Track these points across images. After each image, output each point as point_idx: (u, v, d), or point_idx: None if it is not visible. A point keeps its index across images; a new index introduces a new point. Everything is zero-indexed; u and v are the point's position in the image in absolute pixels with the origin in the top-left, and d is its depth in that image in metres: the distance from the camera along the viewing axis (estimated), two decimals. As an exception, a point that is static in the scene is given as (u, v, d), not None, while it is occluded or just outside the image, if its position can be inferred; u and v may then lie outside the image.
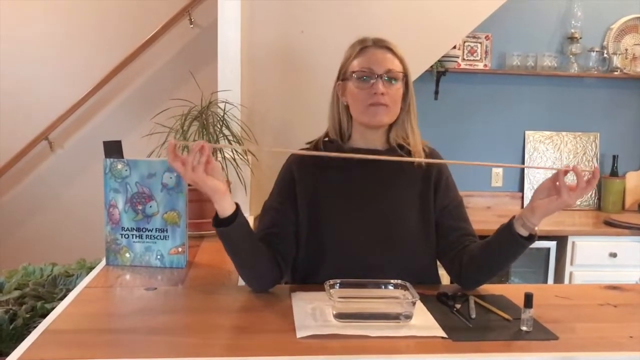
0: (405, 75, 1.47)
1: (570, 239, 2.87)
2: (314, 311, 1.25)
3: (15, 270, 2.16)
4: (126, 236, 1.62)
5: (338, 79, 1.52)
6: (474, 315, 1.25)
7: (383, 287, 1.30)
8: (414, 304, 1.19)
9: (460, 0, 2.57)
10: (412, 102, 1.51)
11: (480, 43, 3.27)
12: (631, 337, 1.17)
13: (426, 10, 2.56)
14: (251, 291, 1.39)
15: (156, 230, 1.61)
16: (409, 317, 1.19)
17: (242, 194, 2.25)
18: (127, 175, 1.61)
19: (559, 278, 2.93)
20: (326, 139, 1.56)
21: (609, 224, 2.97)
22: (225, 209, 1.28)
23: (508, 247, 1.36)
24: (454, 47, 3.09)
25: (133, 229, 1.62)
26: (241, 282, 1.45)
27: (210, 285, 1.49)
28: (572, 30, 3.28)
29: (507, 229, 1.35)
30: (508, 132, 3.39)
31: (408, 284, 1.27)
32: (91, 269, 1.80)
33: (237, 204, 1.31)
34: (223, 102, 2.19)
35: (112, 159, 1.61)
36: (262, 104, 2.52)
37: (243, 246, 1.34)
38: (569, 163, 3.40)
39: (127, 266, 1.63)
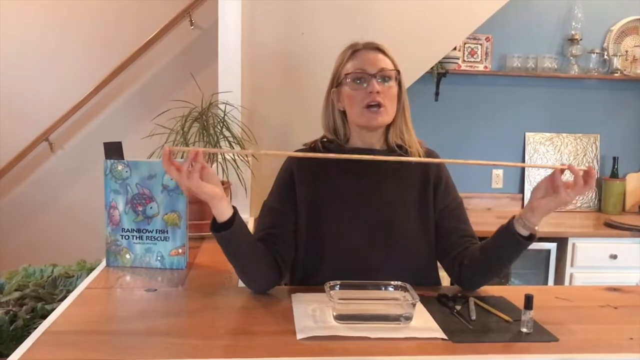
0: (398, 75, 1.48)
1: (570, 241, 2.87)
2: (314, 312, 1.25)
3: (16, 271, 2.16)
4: (126, 237, 1.62)
5: (332, 85, 1.52)
6: (474, 317, 1.25)
7: (383, 288, 1.30)
8: (414, 305, 1.19)
9: (461, 1, 2.57)
10: (405, 101, 1.52)
11: (481, 44, 3.27)
12: (631, 338, 1.17)
13: (427, 12, 2.56)
14: (251, 293, 1.39)
15: (156, 232, 1.61)
16: (409, 318, 1.19)
17: (243, 195, 2.26)
18: (128, 176, 1.61)
19: (559, 279, 2.93)
20: (325, 139, 1.56)
21: (610, 225, 2.97)
22: (223, 214, 1.28)
23: (508, 247, 1.36)
24: (455, 49, 3.09)
25: (133, 230, 1.62)
26: (241, 284, 1.45)
27: (210, 286, 1.48)
28: (573, 32, 3.28)
29: (507, 229, 1.35)
30: (508, 134, 3.40)
31: (408, 286, 1.27)
32: (91, 270, 1.80)
33: (234, 208, 1.31)
34: (223, 103, 2.19)
35: (112, 160, 1.61)
36: (262, 105, 2.53)
37: (242, 249, 1.34)
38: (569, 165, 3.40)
39: (128, 267, 1.62)
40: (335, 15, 2.49)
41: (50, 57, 3.48)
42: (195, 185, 1.21)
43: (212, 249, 1.85)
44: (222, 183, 2.09)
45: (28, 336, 1.12)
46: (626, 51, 3.36)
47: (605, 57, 3.36)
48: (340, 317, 1.19)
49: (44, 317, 1.43)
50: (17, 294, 1.92)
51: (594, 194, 3.41)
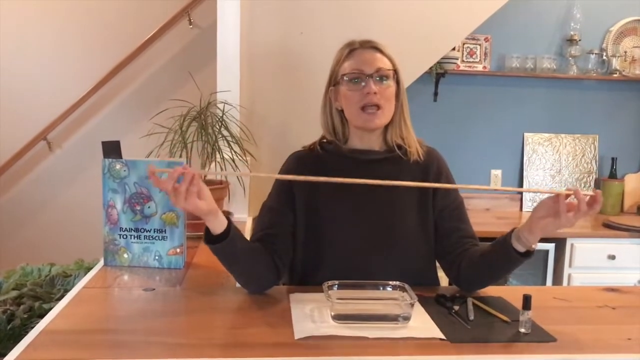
0: (396, 73, 1.47)
1: (569, 241, 2.87)
2: (312, 312, 1.24)
3: (13, 270, 2.16)
4: (124, 237, 1.62)
5: (330, 84, 1.52)
6: (472, 317, 1.25)
7: (381, 288, 1.30)
8: (412, 305, 1.19)
9: (460, 2, 2.57)
10: (404, 99, 1.50)
11: (480, 45, 3.27)
12: (629, 339, 1.17)
13: (426, 12, 2.56)
14: (249, 292, 1.39)
15: (154, 231, 1.61)
16: (407, 318, 1.19)
17: (241, 195, 2.25)
18: (126, 175, 1.60)
19: (557, 280, 2.93)
20: (324, 140, 1.56)
21: (608, 226, 2.97)
22: (218, 227, 1.28)
23: (503, 260, 1.35)
24: (453, 49, 3.09)
25: (131, 229, 1.62)
26: (239, 284, 1.45)
27: (208, 286, 1.48)
28: (572, 33, 3.29)
29: (504, 242, 1.33)
30: (507, 134, 3.40)
31: (406, 286, 1.27)
32: (89, 269, 1.80)
33: (229, 220, 1.30)
34: (222, 102, 2.19)
35: (110, 160, 1.61)
36: (261, 104, 2.53)
37: (237, 258, 1.34)
38: (567, 165, 3.41)
39: (125, 267, 1.62)
40: (334, 14, 2.49)
41: (49, 56, 3.47)
42: (193, 206, 1.21)
43: (210, 248, 1.85)
44: (221, 183, 2.09)
45: (25, 335, 1.12)
46: (625, 52, 3.36)
47: (604, 57, 3.36)
48: (339, 317, 1.18)
49: (42, 316, 1.43)
50: (14, 293, 1.92)
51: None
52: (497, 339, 1.15)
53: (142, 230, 1.61)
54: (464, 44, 3.24)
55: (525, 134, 3.41)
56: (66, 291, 1.79)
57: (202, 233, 1.93)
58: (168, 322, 1.22)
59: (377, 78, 1.43)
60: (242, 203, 2.32)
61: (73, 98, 3.42)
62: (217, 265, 1.64)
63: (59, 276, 2.04)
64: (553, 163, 3.41)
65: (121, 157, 1.61)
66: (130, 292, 1.44)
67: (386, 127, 1.50)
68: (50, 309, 1.31)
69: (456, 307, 1.29)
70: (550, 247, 2.89)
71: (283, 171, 1.54)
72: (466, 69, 3.26)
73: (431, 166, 1.52)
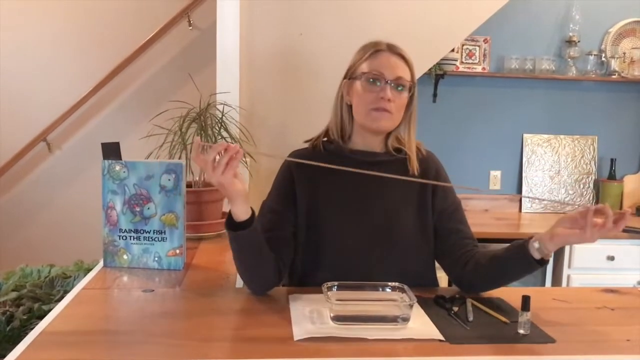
0: (412, 86, 1.47)
1: (568, 242, 2.87)
2: (312, 313, 1.24)
3: (13, 271, 2.16)
4: (124, 238, 1.62)
5: (345, 77, 1.52)
6: (471, 318, 1.25)
7: (380, 289, 1.30)
8: (411, 306, 1.19)
9: (459, 3, 2.58)
10: (414, 111, 1.51)
11: (479, 46, 3.28)
12: (628, 340, 1.17)
13: (425, 13, 2.56)
14: (249, 293, 1.39)
15: (154, 232, 1.61)
16: (406, 319, 1.19)
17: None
18: (125, 177, 1.61)
19: (556, 281, 2.93)
20: (325, 139, 1.56)
21: (607, 227, 2.97)
22: (243, 213, 1.28)
23: (518, 265, 1.35)
24: (453, 50, 3.10)
25: (131, 230, 1.62)
26: (239, 285, 1.45)
27: (207, 287, 1.48)
28: (571, 34, 3.29)
29: (521, 248, 1.32)
30: (506, 135, 3.40)
31: (405, 287, 1.27)
32: (89, 270, 1.80)
33: (252, 209, 1.31)
34: (221, 104, 2.19)
35: (110, 161, 1.61)
36: (260, 106, 2.53)
37: (252, 251, 1.34)
38: (567, 166, 3.41)
39: (125, 268, 1.62)
40: (333, 16, 2.49)
41: (48, 57, 3.48)
42: (228, 182, 1.22)
43: (210, 249, 1.85)
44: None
45: (25, 337, 1.11)
46: (624, 53, 3.36)
47: (603, 59, 3.36)
48: (338, 318, 1.18)
49: (41, 317, 1.43)
50: (14, 294, 1.92)
51: (592, 195, 3.42)
52: (496, 340, 1.15)
53: (142, 232, 1.61)
54: (463, 45, 3.24)
55: (525, 135, 3.41)
56: (66, 292, 1.79)
57: (202, 234, 1.96)
58: (167, 324, 1.22)
59: (394, 85, 1.43)
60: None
61: (73, 99, 3.42)
62: (216, 266, 1.65)
63: (59, 277, 2.04)
64: (552, 164, 3.41)
65: (121, 159, 1.61)
66: (130, 293, 1.44)
67: (389, 132, 1.51)
68: (50, 310, 1.31)
69: (455, 308, 1.29)
70: (550, 248, 2.89)
71: (284, 167, 1.54)
72: (465, 70, 3.27)
73: (430, 170, 1.53)
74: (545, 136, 3.42)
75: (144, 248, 1.62)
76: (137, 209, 1.61)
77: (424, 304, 1.31)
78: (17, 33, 3.43)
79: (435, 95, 3.27)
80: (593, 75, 3.33)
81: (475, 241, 1.51)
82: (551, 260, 2.87)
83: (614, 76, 3.34)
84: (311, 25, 2.50)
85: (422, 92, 3.21)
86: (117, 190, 1.61)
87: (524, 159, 3.40)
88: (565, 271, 2.90)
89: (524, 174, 3.40)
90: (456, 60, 3.18)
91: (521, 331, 1.17)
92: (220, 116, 2.12)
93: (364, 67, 1.46)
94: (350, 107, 1.50)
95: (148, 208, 1.60)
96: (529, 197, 3.37)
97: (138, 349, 1.08)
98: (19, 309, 1.84)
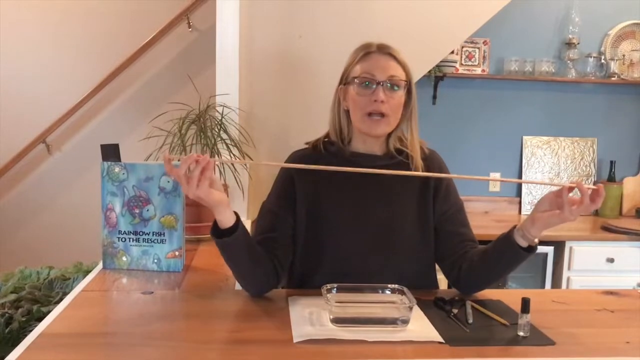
0: (408, 83, 1.46)
1: (567, 244, 2.88)
2: (311, 316, 1.24)
3: (12, 273, 2.15)
4: (123, 240, 1.62)
5: (340, 82, 1.51)
6: (471, 321, 1.25)
7: (380, 291, 1.30)
8: (411, 308, 1.19)
9: (459, 5, 2.58)
10: (414, 109, 1.49)
11: (478, 48, 3.28)
12: (628, 342, 1.17)
13: (424, 15, 2.56)
14: (248, 295, 1.39)
15: (153, 234, 1.61)
16: (406, 321, 1.19)
17: (240, 197, 2.25)
18: (125, 178, 1.60)
19: (556, 283, 2.93)
20: (326, 139, 1.56)
21: (607, 229, 2.97)
22: (227, 220, 1.28)
23: (507, 256, 1.35)
24: (452, 52, 3.10)
25: (130, 232, 1.62)
26: (238, 287, 1.45)
27: (207, 289, 1.48)
28: (570, 36, 3.29)
29: (506, 238, 1.34)
30: (506, 137, 3.40)
31: (405, 289, 1.27)
32: (88, 272, 1.79)
33: (236, 214, 1.30)
34: (221, 105, 2.19)
35: (109, 163, 1.61)
36: (260, 107, 2.53)
37: (242, 255, 1.34)
38: (566, 168, 3.41)
39: (124, 270, 1.62)
40: (333, 18, 2.50)
41: (48, 59, 3.47)
42: (205, 194, 1.21)
43: (209, 251, 1.85)
44: (220, 186, 2.09)
45: (24, 339, 1.11)
46: (623, 55, 3.37)
47: (603, 61, 3.36)
48: (337, 320, 1.18)
49: (40, 319, 1.43)
50: (13, 296, 1.91)
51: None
52: (496, 342, 1.15)
53: (141, 234, 1.61)
54: (462, 47, 3.24)
55: (524, 137, 3.41)
56: (65, 294, 1.79)
57: (201, 236, 1.95)
58: (167, 326, 1.22)
59: (388, 85, 1.42)
60: (241, 206, 2.32)
61: (72, 101, 3.42)
62: (216, 268, 1.65)
63: (58, 279, 2.04)
64: (552, 166, 3.41)
65: (120, 160, 1.61)
66: (129, 295, 1.44)
67: (390, 133, 1.50)
68: (49, 312, 1.31)
69: (455, 311, 1.29)
70: (549, 250, 2.89)
71: (284, 169, 1.53)
72: (465, 72, 3.27)
73: (432, 169, 1.52)
74: (545, 138, 3.42)
75: (143, 250, 1.62)
76: (137, 210, 1.61)
77: (423, 306, 1.30)
78: (17, 34, 3.43)
79: (434, 97, 3.27)
80: (592, 78, 3.33)
81: (475, 243, 1.50)
82: (551, 262, 2.89)
83: (613, 78, 3.34)
84: (311, 27, 2.50)
85: (422, 94, 3.21)
86: (116, 192, 1.61)
87: (524, 161, 3.40)
88: (565, 273, 2.90)
89: (523, 176, 3.40)
90: (456, 62, 3.19)
91: (521, 333, 1.17)
92: (220, 118, 2.12)
93: (356, 70, 1.45)
94: (347, 112, 1.50)
95: (147, 210, 1.60)
96: (525, 182, 3.37)
97: (137, 351, 1.08)
98: (17, 310, 1.83)
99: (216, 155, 2.05)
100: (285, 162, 1.55)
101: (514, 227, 1.34)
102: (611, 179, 3.34)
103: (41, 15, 3.45)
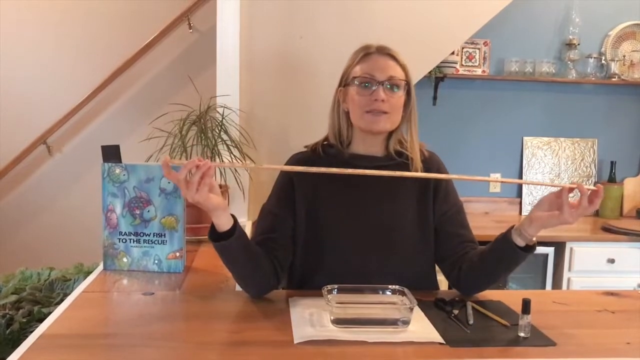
0: (407, 84, 1.47)
1: (568, 245, 2.88)
2: (312, 316, 1.24)
3: (13, 274, 2.15)
4: (124, 241, 1.62)
5: (340, 84, 1.51)
6: (471, 321, 1.25)
7: (381, 292, 1.30)
8: (411, 309, 1.19)
9: (459, 6, 2.58)
10: (413, 110, 1.50)
11: (479, 49, 3.28)
12: (628, 343, 1.17)
13: (425, 16, 2.56)
14: (248, 296, 1.39)
15: (154, 235, 1.61)
16: (406, 322, 1.19)
17: (240, 198, 2.25)
18: (125, 179, 1.61)
19: (556, 284, 2.93)
20: (325, 142, 1.56)
21: (607, 230, 2.97)
22: (224, 224, 1.28)
23: (505, 256, 1.36)
24: (452, 53, 3.10)
25: (131, 233, 1.62)
26: (238, 288, 1.45)
27: (207, 290, 1.48)
28: (570, 37, 3.29)
29: (504, 238, 1.34)
30: (506, 138, 3.40)
31: (406, 290, 1.27)
32: (89, 273, 1.80)
33: (234, 217, 1.30)
34: (221, 106, 2.19)
35: (110, 164, 1.61)
36: (260, 108, 2.53)
37: (241, 257, 1.34)
38: (567, 169, 3.41)
39: (125, 271, 1.62)
40: (333, 18, 2.50)
41: (48, 60, 3.48)
42: (204, 199, 1.21)
43: (210, 252, 1.83)
44: (220, 187, 2.09)
45: (24, 340, 1.11)
46: (624, 56, 3.37)
47: (603, 61, 3.36)
48: (338, 321, 1.18)
49: (41, 320, 1.43)
50: (13, 297, 1.91)
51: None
52: (497, 343, 1.15)
53: (142, 235, 1.61)
54: (463, 48, 3.24)
55: (525, 138, 3.41)
56: (65, 295, 1.79)
57: (202, 237, 1.95)
58: (167, 327, 1.22)
59: (388, 86, 1.43)
60: (241, 207, 2.32)
61: (73, 102, 3.42)
62: (216, 269, 1.65)
63: (58, 280, 2.04)
64: (552, 167, 3.41)
65: (121, 161, 1.61)
66: (130, 296, 1.44)
67: (390, 134, 1.50)
68: (50, 313, 1.31)
69: (456, 311, 1.29)
70: (550, 250, 2.89)
71: (284, 173, 1.53)
72: (465, 73, 3.27)
73: (431, 171, 1.52)
74: (545, 139, 3.42)
75: (144, 251, 1.62)
76: (137, 211, 1.61)
77: (424, 306, 1.30)
78: (18, 36, 3.44)
79: (435, 98, 3.27)
80: (593, 78, 3.33)
81: (475, 244, 1.51)
82: (551, 263, 2.89)
83: (614, 79, 3.34)
84: (311, 28, 2.51)
85: (422, 95, 3.21)
86: (117, 193, 1.61)
87: (524, 162, 3.40)
88: (566, 274, 2.90)
89: (524, 177, 3.40)
90: (456, 63, 3.19)
91: (521, 334, 1.17)
92: (220, 119, 2.12)
93: (356, 71, 1.46)
94: (347, 113, 1.50)
95: (148, 211, 1.60)
96: (526, 183, 3.37)
97: (138, 351, 1.08)
98: (18, 312, 1.83)
99: (217, 157, 2.05)
100: (285, 164, 1.55)
101: (512, 227, 1.34)
102: (612, 179, 3.33)
103: (41, 15, 3.45)
